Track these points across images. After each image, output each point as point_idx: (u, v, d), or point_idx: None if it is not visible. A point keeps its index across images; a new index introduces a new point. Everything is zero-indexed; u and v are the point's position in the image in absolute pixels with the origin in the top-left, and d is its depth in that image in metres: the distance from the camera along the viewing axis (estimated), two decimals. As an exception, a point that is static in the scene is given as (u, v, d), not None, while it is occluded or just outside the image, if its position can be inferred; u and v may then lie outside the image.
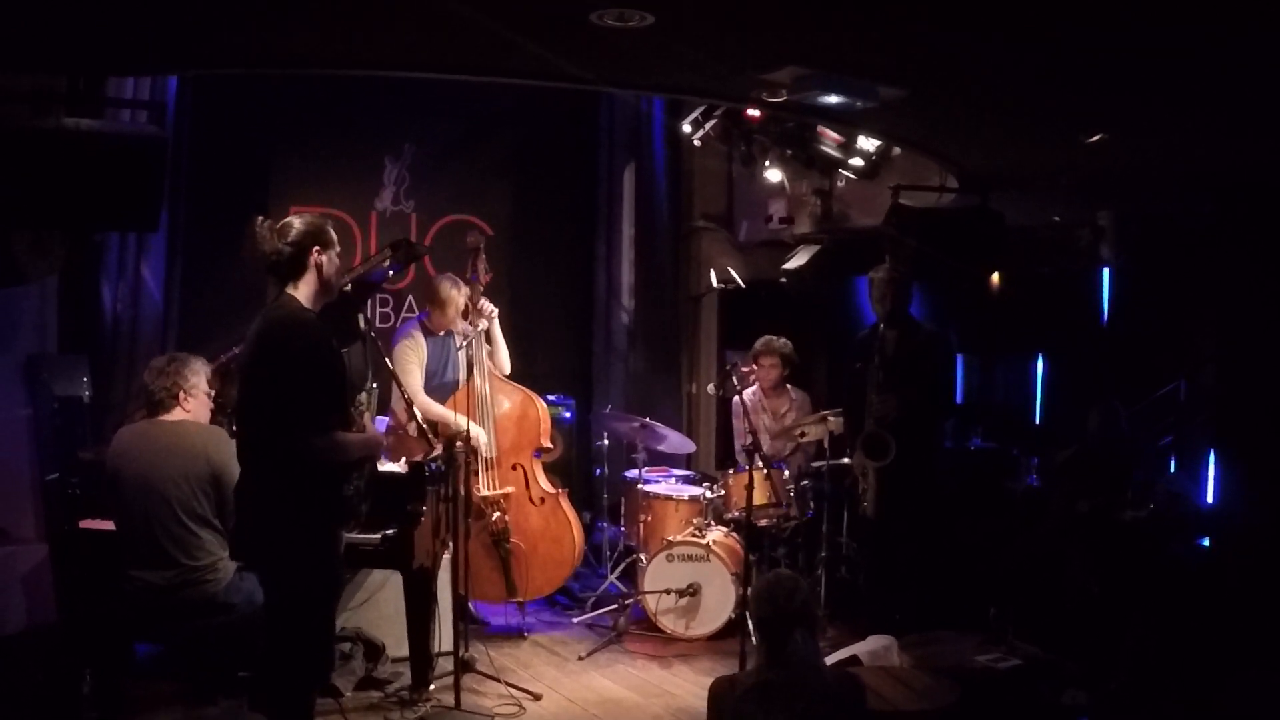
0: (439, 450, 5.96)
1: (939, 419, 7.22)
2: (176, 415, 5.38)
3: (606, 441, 8.51)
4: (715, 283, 9.36)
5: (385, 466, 5.97)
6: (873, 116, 5.17)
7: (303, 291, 4.54)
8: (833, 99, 4.59)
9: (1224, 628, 6.04)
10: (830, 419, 7.47)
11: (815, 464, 7.82)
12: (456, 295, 7.13)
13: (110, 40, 4.43)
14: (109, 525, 5.44)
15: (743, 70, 4.51)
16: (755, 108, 5.19)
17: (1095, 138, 5.15)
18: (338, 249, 4.65)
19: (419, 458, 6.04)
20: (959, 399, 7.78)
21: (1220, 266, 6.85)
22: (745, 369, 8.13)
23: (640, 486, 7.84)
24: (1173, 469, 7.23)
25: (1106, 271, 7.85)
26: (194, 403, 5.46)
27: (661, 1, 3.71)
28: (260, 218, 4.59)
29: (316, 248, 4.53)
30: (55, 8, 3.91)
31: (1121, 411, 6.89)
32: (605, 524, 8.53)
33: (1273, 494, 6.47)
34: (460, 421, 6.60)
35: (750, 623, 4.58)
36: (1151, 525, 6.52)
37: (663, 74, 4.87)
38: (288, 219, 4.58)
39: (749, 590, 3.84)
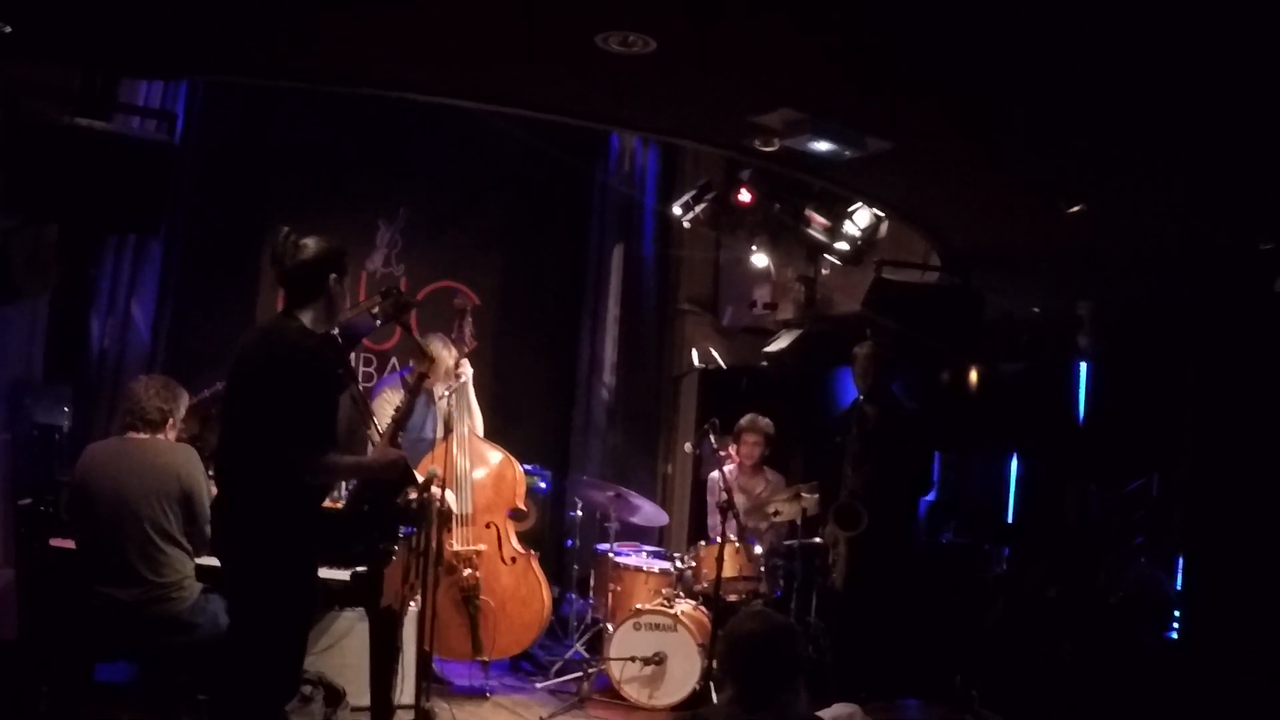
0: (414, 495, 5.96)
1: (913, 495, 7.26)
2: (153, 436, 5.41)
3: (580, 513, 8.46)
4: (696, 362, 9.41)
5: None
6: (860, 172, 5.31)
7: (308, 315, 4.54)
8: (823, 145, 4.74)
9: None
10: (804, 495, 7.48)
11: (787, 542, 7.83)
12: (446, 355, 7.17)
13: (132, 33, 4.55)
14: (79, 544, 5.44)
15: (737, 111, 4.65)
16: (748, 156, 5.31)
17: (1076, 208, 5.29)
18: (349, 277, 4.70)
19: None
20: (934, 494, 7.80)
21: (1196, 358, 6.93)
22: (722, 452, 8.13)
23: (611, 557, 7.82)
24: (1143, 561, 7.25)
25: (1084, 366, 7.94)
26: (173, 433, 5.53)
27: (665, 28, 3.85)
28: (285, 229, 4.61)
29: (333, 275, 4.57)
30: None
31: (1095, 496, 6.94)
32: (574, 596, 8.48)
33: (1241, 590, 6.48)
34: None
35: (731, 663, 4.32)
36: (1121, 612, 6.54)
37: (660, 110, 5.00)
38: (306, 239, 4.57)
39: (733, 630, 3.72)
